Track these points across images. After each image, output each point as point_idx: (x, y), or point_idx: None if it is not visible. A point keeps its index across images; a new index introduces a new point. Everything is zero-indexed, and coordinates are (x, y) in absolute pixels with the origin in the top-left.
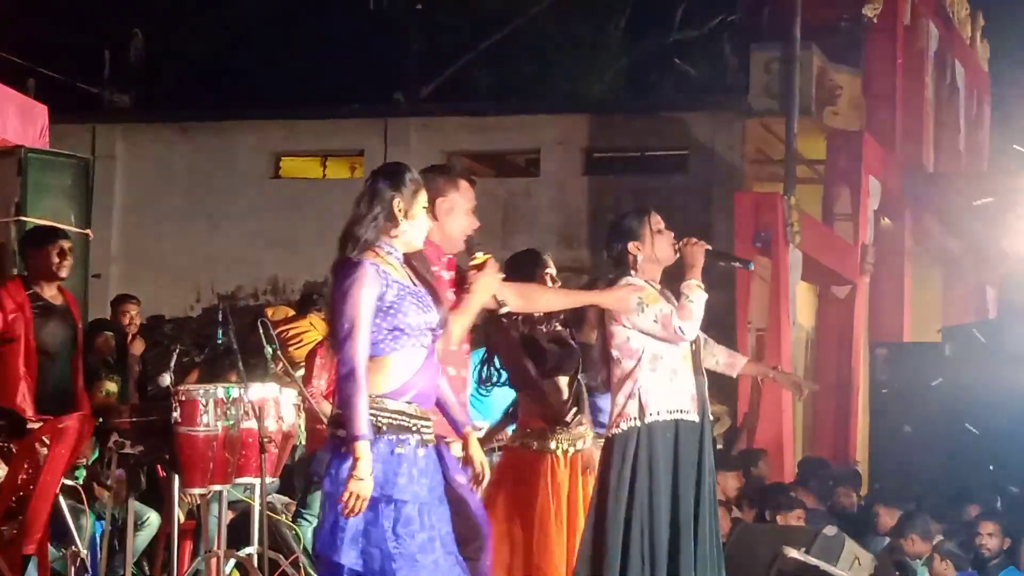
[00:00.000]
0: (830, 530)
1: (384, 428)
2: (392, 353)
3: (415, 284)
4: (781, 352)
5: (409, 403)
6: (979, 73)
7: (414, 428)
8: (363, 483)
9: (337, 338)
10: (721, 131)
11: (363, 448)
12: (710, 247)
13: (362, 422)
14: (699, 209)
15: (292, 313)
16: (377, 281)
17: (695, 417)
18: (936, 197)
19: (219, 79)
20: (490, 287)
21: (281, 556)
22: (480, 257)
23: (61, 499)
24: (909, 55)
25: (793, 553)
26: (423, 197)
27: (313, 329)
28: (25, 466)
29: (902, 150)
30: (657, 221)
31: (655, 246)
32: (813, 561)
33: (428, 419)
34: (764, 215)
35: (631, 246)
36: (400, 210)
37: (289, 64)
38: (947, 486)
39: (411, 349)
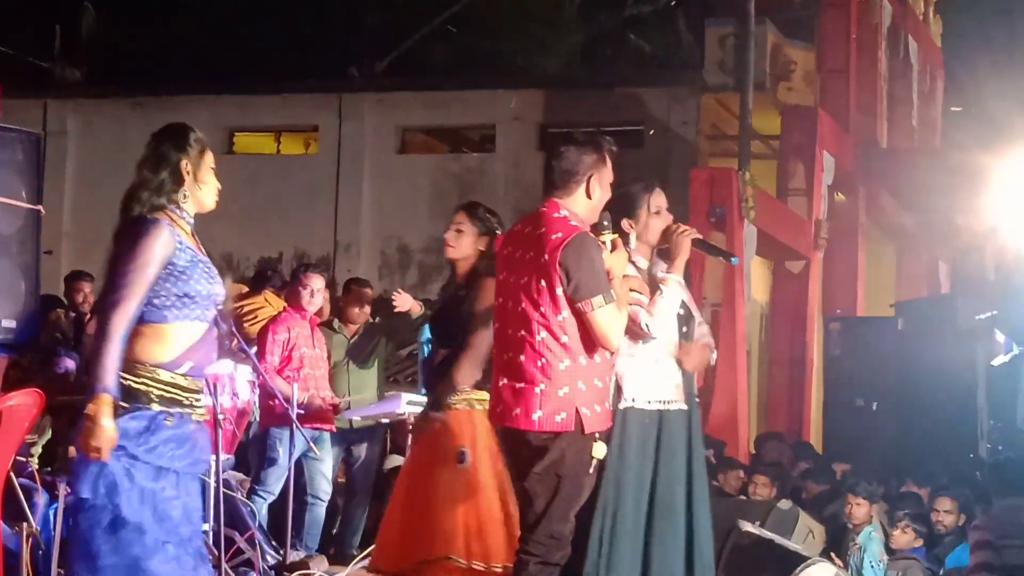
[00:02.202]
0: (784, 504)
1: (156, 400)
2: (176, 321)
3: (202, 252)
4: (736, 327)
5: (184, 376)
6: (932, 48)
7: (186, 402)
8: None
9: (111, 292)
10: (676, 106)
11: (107, 400)
12: (699, 236)
13: (112, 377)
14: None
15: (246, 289)
16: (171, 243)
17: (682, 405)
18: (889, 172)
19: (172, 54)
20: (623, 266)
21: (236, 533)
22: (607, 236)
23: (13, 476)
24: (862, 30)
25: (747, 527)
26: (210, 158)
27: (268, 305)
28: None
29: (856, 125)
30: (657, 202)
31: (648, 227)
32: (767, 535)
33: (200, 392)
34: (719, 190)
35: (624, 223)
36: (188, 172)
37: (242, 39)
38: (899, 459)
39: (194, 320)
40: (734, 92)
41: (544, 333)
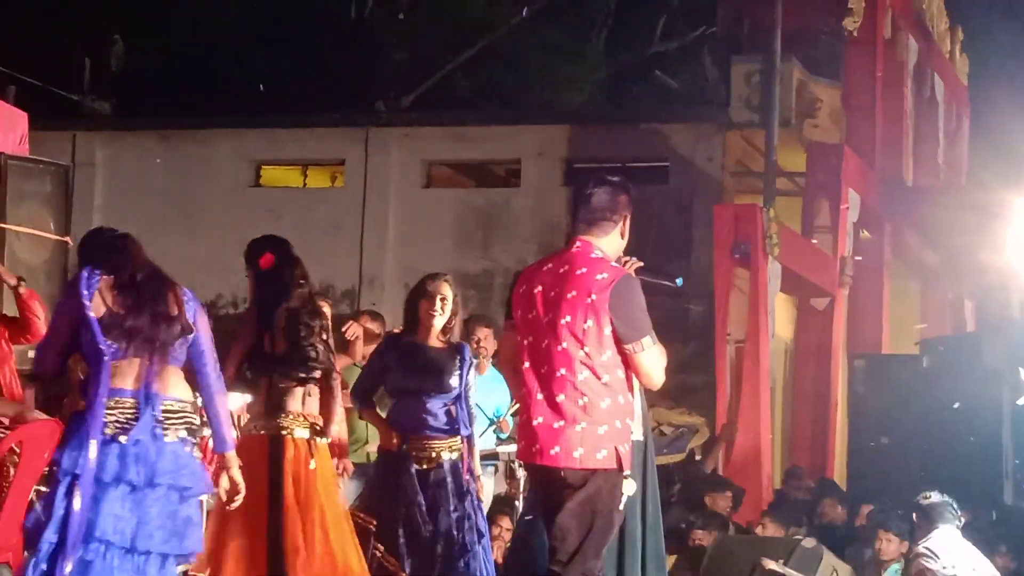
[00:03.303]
0: (808, 542)
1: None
2: None
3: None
4: (760, 363)
5: None
6: (958, 86)
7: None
8: None
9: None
10: (701, 143)
11: None
12: (641, 265)
13: None
14: (679, 220)
15: None
16: None
17: (639, 436)
18: (915, 210)
19: (199, 87)
20: None
21: None
22: None
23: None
24: (889, 68)
25: (771, 565)
26: None
27: None
28: None
29: (881, 163)
30: None
31: None
32: (791, 573)
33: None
34: (743, 227)
35: None
36: None
37: (270, 72)
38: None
39: None
40: (759, 128)
41: (587, 373)
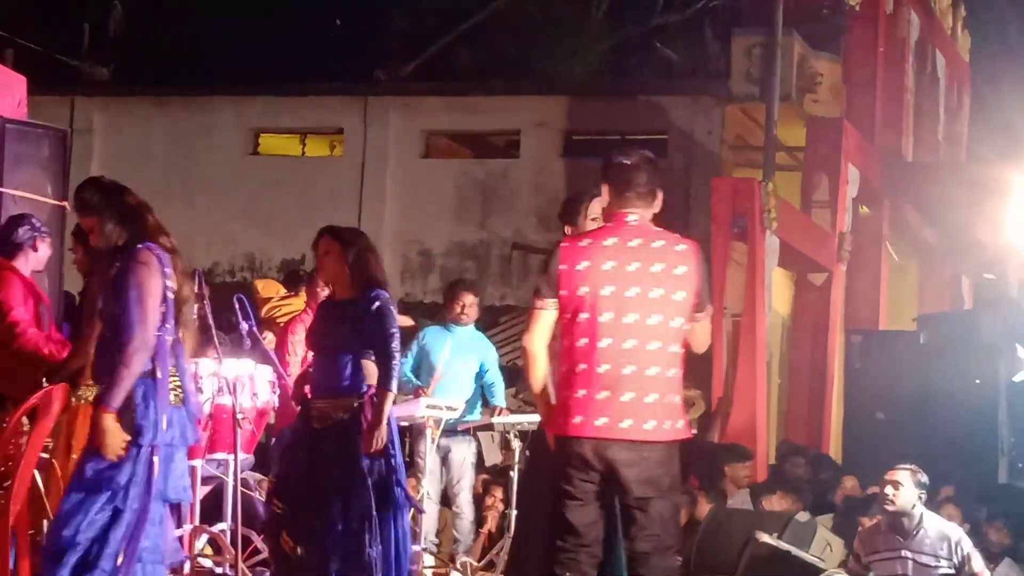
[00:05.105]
0: (802, 516)
1: None
2: None
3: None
4: (756, 338)
5: None
6: (959, 63)
7: None
8: None
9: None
10: (701, 116)
11: None
12: None
13: None
14: (677, 194)
15: (283, 290)
16: None
17: None
18: (914, 186)
19: (199, 54)
20: None
21: (253, 532)
22: None
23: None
24: (890, 44)
25: (765, 538)
26: None
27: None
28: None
29: (881, 138)
30: (595, 210)
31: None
32: (785, 546)
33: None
34: (741, 201)
35: (566, 228)
36: None
37: (269, 40)
38: None
39: None
40: (759, 102)
41: (675, 346)
